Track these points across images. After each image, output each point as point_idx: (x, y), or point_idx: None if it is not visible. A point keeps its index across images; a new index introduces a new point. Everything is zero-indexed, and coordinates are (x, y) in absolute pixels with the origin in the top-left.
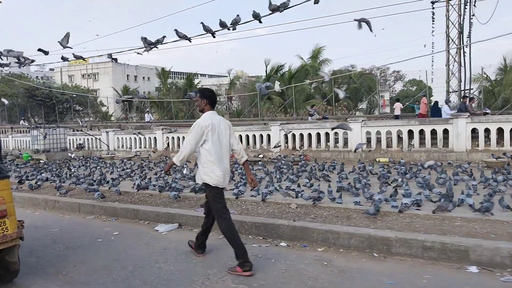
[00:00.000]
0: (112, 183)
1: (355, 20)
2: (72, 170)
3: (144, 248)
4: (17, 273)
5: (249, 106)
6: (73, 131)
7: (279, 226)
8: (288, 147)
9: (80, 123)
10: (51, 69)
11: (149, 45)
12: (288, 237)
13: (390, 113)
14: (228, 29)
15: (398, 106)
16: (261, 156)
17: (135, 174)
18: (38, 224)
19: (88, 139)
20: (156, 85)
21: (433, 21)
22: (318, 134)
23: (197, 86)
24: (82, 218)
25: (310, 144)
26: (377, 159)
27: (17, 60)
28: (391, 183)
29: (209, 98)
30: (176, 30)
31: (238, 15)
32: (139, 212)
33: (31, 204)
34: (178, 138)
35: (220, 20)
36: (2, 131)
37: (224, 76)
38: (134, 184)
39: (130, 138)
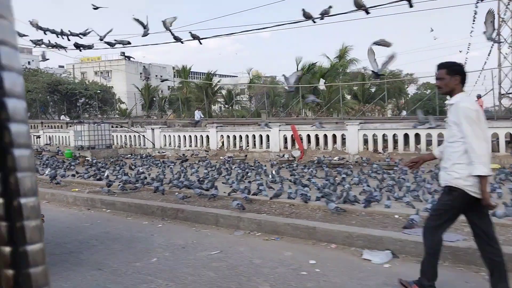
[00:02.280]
0: (234, 188)
1: (374, 43)
2: (140, 169)
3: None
4: None
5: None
6: (115, 127)
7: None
8: (367, 149)
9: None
10: (61, 66)
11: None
12: None
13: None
14: (314, 22)
15: None
16: (336, 158)
17: (228, 176)
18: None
19: (130, 136)
20: (168, 84)
21: (473, 21)
22: (406, 135)
23: (218, 85)
24: (229, 235)
25: (395, 146)
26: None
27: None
28: None
29: (462, 74)
30: (191, 32)
31: (330, 6)
32: (317, 231)
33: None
34: (234, 136)
35: (304, 11)
36: (33, 126)
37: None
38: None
39: (179, 136)
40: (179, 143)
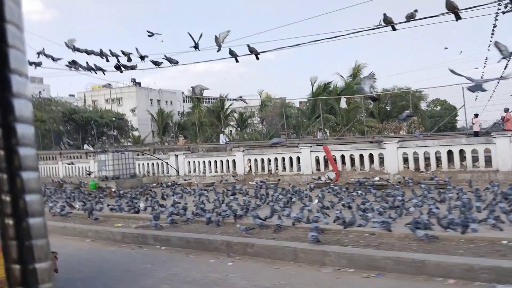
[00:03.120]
0: (297, 216)
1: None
2: (175, 199)
3: None
4: None
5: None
6: (137, 155)
7: None
8: (408, 167)
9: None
10: (71, 95)
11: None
12: None
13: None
14: (394, 29)
15: (477, 121)
16: (376, 179)
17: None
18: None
19: (153, 163)
20: (178, 109)
21: (492, 34)
22: (450, 152)
23: (230, 108)
24: (316, 272)
25: (438, 164)
26: None
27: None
28: None
29: None
30: (248, 46)
31: (416, 10)
32: (426, 264)
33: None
34: (262, 160)
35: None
36: (51, 157)
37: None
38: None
39: (204, 161)
40: (204, 169)
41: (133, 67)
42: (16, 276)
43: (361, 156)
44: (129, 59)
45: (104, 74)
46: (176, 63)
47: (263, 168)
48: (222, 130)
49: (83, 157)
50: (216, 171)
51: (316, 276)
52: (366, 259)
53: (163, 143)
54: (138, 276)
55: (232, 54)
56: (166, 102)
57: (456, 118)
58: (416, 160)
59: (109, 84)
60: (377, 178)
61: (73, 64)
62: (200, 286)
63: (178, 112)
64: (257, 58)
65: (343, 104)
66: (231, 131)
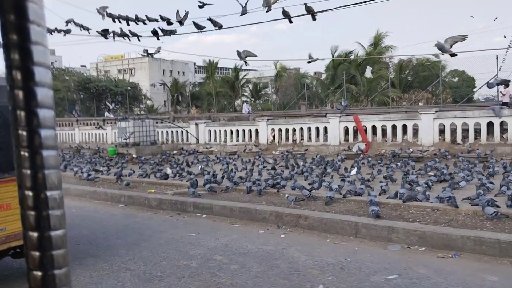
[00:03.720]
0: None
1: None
2: (202, 166)
3: None
4: None
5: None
6: (157, 122)
7: None
8: (444, 139)
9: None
10: (83, 66)
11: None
12: None
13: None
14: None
15: (508, 92)
16: (410, 150)
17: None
18: None
19: (172, 131)
20: (190, 80)
21: None
22: (490, 124)
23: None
24: (383, 249)
25: (476, 137)
26: None
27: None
28: None
29: None
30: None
31: None
32: None
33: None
34: (287, 130)
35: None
36: (67, 124)
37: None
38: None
39: (225, 130)
40: (225, 138)
41: (172, 32)
42: (33, 242)
43: (394, 127)
44: (169, 23)
45: (139, 40)
46: (220, 27)
47: (287, 138)
48: (246, 100)
49: (100, 124)
50: (237, 140)
51: (383, 253)
52: (440, 238)
53: (176, 112)
54: (186, 245)
55: (286, 14)
56: (178, 72)
57: (474, 90)
58: (453, 132)
59: (146, 50)
60: (411, 150)
61: (106, 32)
62: (256, 258)
63: (190, 82)
64: (314, 19)
65: (368, 73)
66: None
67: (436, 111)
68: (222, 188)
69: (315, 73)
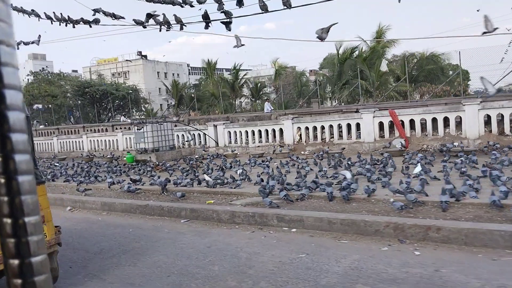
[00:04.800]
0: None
1: None
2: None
3: None
4: (56, 279)
5: (294, 97)
6: (175, 126)
7: None
8: (490, 131)
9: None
10: (74, 71)
11: None
12: None
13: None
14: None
15: None
16: (456, 144)
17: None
18: None
19: (189, 135)
20: (184, 81)
21: None
22: None
23: (244, 78)
24: None
25: None
26: None
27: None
28: None
29: None
30: None
31: None
32: None
33: None
34: (314, 128)
35: None
36: (75, 131)
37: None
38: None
39: (247, 131)
40: (247, 139)
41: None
42: (10, 249)
43: (434, 120)
44: (219, 2)
45: (183, 28)
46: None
47: (315, 137)
48: (267, 98)
49: (109, 130)
50: (260, 141)
51: None
52: None
53: (178, 115)
54: (306, 272)
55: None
56: (173, 74)
57: (468, 82)
58: (499, 122)
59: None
60: (456, 143)
61: (149, 16)
62: (413, 286)
63: (190, 84)
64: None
65: (384, 66)
66: (241, 102)
67: (481, 102)
68: (297, 196)
69: (310, 71)
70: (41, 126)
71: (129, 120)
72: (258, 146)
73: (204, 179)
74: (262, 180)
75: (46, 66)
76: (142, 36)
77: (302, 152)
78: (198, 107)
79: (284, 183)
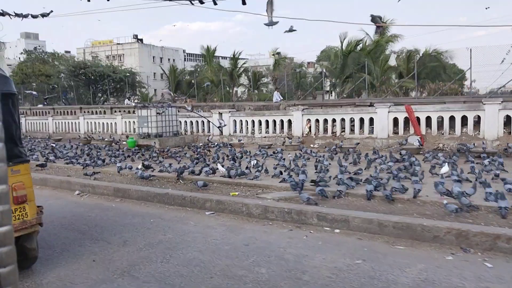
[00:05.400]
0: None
1: None
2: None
3: None
4: (35, 260)
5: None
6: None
7: None
8: (510, 132)
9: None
10: (67, 52)
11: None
12: None
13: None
14: None
15: None
16: (484, 145)
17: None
18: None
19: (192, 122)
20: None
21: None
22: None
23: (243, 66)
24: None
25: None
26: None
27: None
28: None
29: None
30: None
31: None
32: None
33: None
34: (325, 121)
35: None
36: (71, 112)
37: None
38: None
39: (253, 121)
40: (253, 129)
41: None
42: None
43: (451, 118)
44: None
45: (216, 3)
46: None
47: (325, 130)
48: (277, 87)
49: (107, 113)
50: (267, 132)
51: None
52: None
53: (175, 102)
54: (371, 282)
55: None
56: (169, 59)
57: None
58: None
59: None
60: (475, 144)
61: None
62: None
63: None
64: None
65: (393, 60)
66: (236, 91)
67: (502, 101)
68: (333, 193)
69: (308, 63)
70: (39, 105)
71: (132, 103)
72: (265, 137)
73: (218, 169)
74: (281, 173)
75: (39, 46)
76: (138, 18)
77: (311, 145)
78: (195, 94)
79: (321, 178)
